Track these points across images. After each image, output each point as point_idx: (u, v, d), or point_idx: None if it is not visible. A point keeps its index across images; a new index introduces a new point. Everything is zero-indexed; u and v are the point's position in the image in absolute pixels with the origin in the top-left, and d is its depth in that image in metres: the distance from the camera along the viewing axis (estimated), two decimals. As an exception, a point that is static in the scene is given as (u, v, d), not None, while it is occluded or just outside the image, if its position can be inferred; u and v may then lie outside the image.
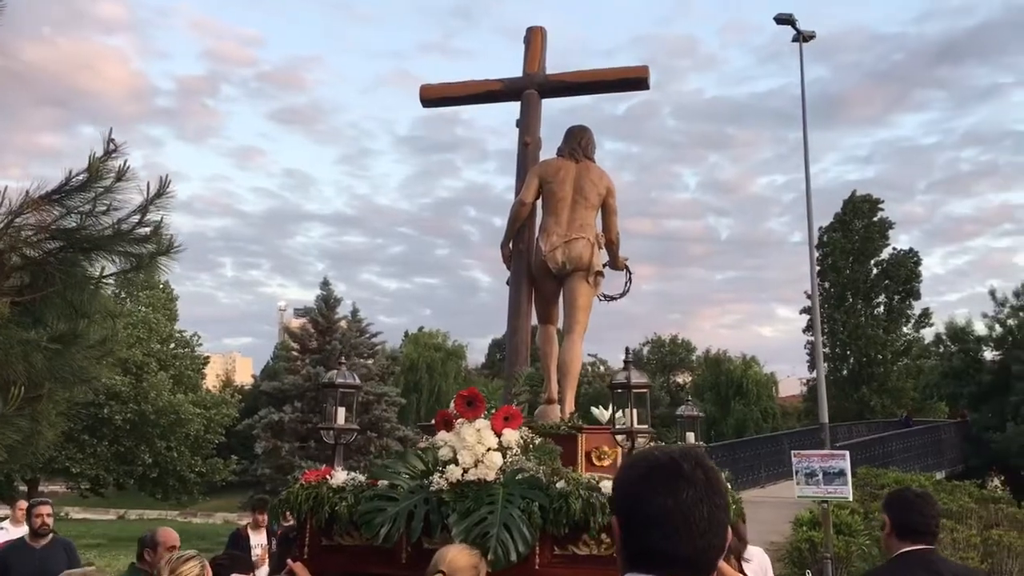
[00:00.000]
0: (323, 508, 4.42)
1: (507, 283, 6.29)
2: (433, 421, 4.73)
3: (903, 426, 31.96)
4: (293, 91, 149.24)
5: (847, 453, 13.53)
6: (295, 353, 32.33)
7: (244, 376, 60.84)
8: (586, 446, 4.80)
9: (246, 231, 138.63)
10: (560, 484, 4.12)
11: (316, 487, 4.52)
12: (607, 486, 4.03)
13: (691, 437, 5.66)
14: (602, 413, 5.36)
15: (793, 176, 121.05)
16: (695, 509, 1.62)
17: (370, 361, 31.81)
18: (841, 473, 12.63)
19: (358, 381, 5.04)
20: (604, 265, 6.23)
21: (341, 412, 4.86)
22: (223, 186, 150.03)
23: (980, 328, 34.74)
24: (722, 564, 4.65)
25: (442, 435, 4.48)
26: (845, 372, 41.22)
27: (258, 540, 8.54)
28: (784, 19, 24.48)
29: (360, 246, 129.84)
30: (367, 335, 32.64)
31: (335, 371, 5.01)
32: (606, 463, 4.74)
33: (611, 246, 6.28)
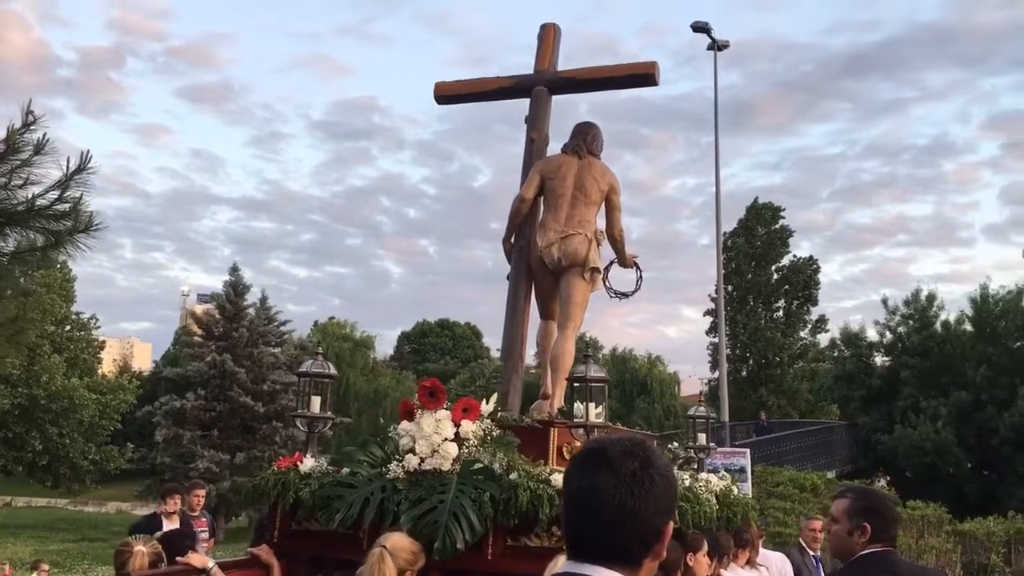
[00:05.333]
0: (289, 493, 4.47)
1: (507, 278, 6.27)
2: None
3: (761, 430, 32.20)
4: (203, 68, 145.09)
5: (748, 451, 14.11)
6: (199, 339, 31.52)
7: (143, 362, 58.95)
8: (558, 440, 4.84)
9: (148, 212, 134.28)
10: (513, 476, 4.18)
11: (285, 473, 4.57)
12: (557, 479, 4.10)
13: (702, 438, 5.71)
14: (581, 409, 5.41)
15: (703, 179, 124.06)
16: (606, 495, 1.57)
17: (278, 350, 31.30)
18: (742, 470, 13.16)
19: (333, 371, 5.02)
20: (611, 262, 6.22)
21: (316, 401, 4.85)
22: (125, 164, 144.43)
23: (872, 334, 36.31)
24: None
25: (404, 425, 4.51)
26: (744, 373, 42.36)
27: (171, 526, 8.41)
28: (700, 27, 24.97)
29: (269, 232, 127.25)
30: (275, 323, 32.10)
31: (311, 360, 4.99)
32: None
33: (615, 243, 6.22)
